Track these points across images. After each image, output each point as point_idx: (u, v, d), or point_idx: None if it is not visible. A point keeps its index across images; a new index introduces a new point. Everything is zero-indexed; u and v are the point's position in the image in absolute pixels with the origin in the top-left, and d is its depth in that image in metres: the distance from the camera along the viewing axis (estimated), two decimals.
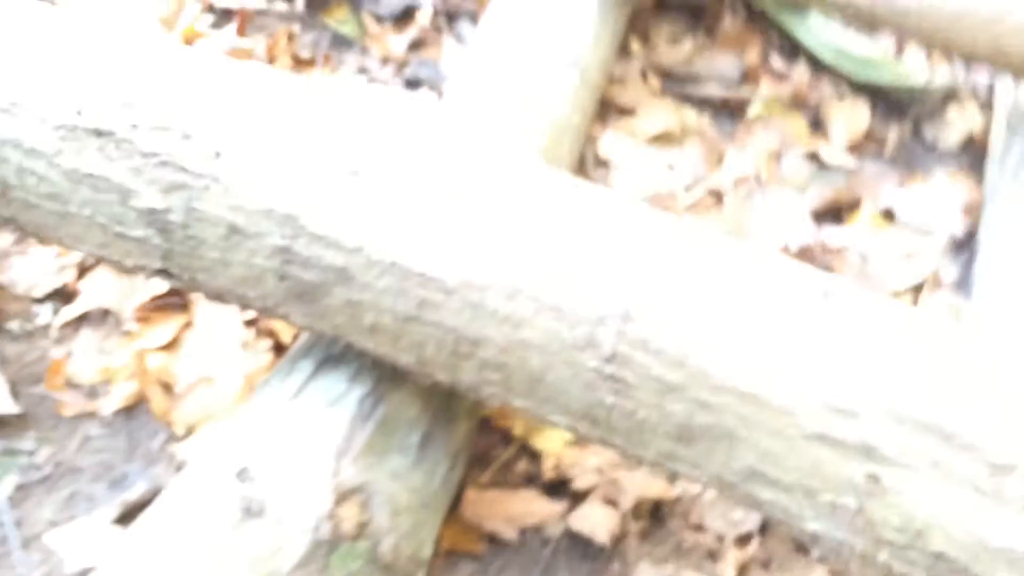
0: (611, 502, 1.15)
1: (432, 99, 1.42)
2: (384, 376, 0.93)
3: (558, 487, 1.16)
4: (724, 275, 0.79)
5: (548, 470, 1.17)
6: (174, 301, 1.23)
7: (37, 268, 1.27)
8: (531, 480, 1.18)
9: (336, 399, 0.91)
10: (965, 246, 1.45)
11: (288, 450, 0.87)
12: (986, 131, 1.61)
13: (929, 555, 0.76)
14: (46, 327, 1.23)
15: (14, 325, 1.22)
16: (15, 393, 1.16)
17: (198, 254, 0.83)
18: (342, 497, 0.86)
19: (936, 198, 1.48)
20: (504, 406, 0.85)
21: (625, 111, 1.56)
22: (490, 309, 0.79)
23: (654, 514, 1.16)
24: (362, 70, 1.52)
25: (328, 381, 0.93)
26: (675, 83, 1.61)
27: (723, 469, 0.80)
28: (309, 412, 0.90)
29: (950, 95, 1.64)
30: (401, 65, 1.53)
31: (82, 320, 1.23)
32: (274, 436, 0.89)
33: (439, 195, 0.80)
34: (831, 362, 0.76)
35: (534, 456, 1.19)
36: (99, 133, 0.81)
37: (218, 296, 0.87)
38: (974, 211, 1.47)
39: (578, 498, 1.15)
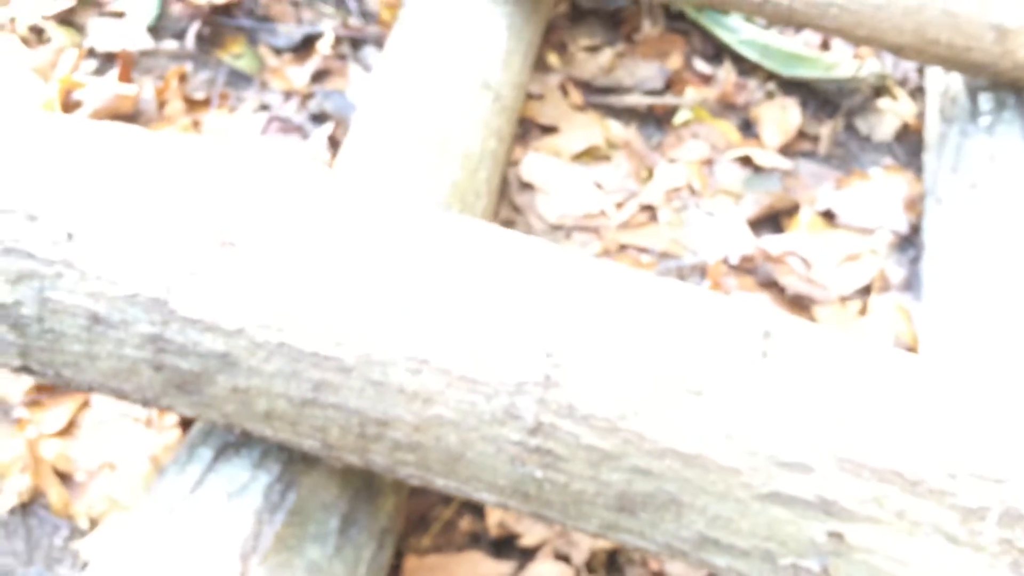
0: (563, 557, 1.07)
1: (323, 142, 1.32)
2: (294, 458, 0.84)
3: (505, 544, 1.08)
4: (653, 323, 0.71)
5: (493, 527, 1.09)
6: None
7: None
8: (476, 539, 1.09)
9: (240, 489, 0.81)
10: (910, 243, 1.39)
11: (188, 555, 0.78)
12: (920, 118, 1.56)
13: None
14: None
15: None
16: None
17: (59, 348, 0.73)
18: None
19: (876, 195, 1.42)
20: (426, 486, 0.77)
21: (547, 129, 1.48)
22: (396, 386, 0.70)
23: (610, 565, 1.08)
24: (263, 107, 1.42)
25: (230, 469, 0.83)
26: (597, 95, 1.53)
27: (672, 538, 0.72)
28: (210, 508, 0.80)
29: (880, 84, 1.58)
30: (305, 98, 1.44)
31: None
32: (171, 539, 0.79)
33: (327, 262, 0.71)
34: (776, 412, 0.69)
35: (477, 511, 1.11)
36: None
37: (91, 390, 0.77)
38: (916, 205, 1.42)
39: (527, 555, 1.07)
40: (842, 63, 1.58)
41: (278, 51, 1.48)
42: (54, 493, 1.05)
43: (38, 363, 0.75)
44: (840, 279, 1.35)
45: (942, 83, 1.47)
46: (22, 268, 0.70)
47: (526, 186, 1.41)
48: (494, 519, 1.09)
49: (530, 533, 1.08)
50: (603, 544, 1.07)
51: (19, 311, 0.71)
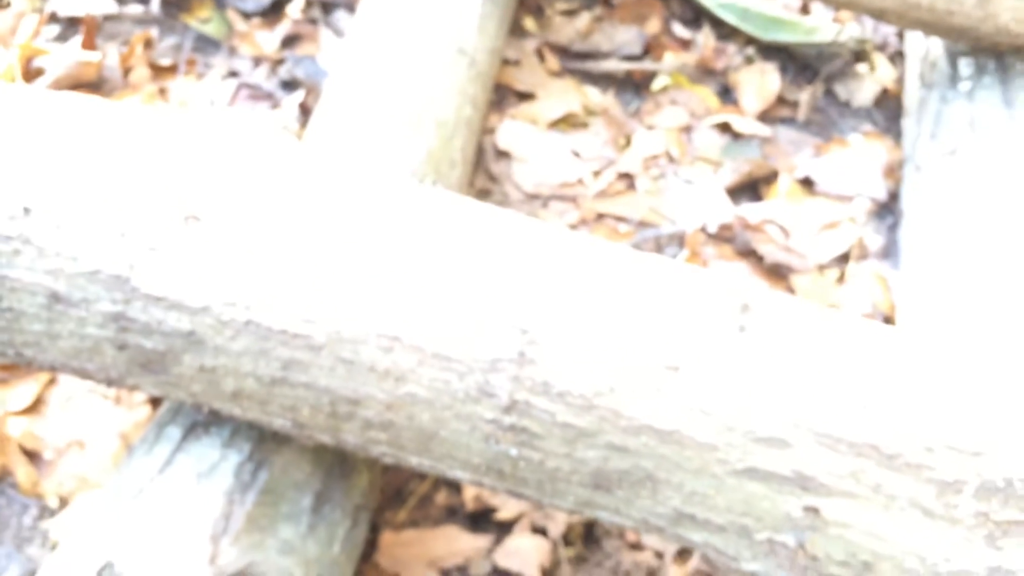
0: (539, 530, 1.06)
1: (294, 110, 1.29)
2: (265, 436, 0.82)
3: (482, 518, 1.07)
4: (630, 298, 0.70)
5: (470, 500, 1.08)
6: None
7: None
8: (452, 513, 1.08)
9: (209, 469, 0.80)
10: (889, 210, 1.38)
11: (157, 536, 0.76)
12: (899, 83, 1.55)
13: None
14: None
15: None
16: None
17: (18, 328, 0.71)
18: None
19: (855, 162, 1.41)
20: (399, 464, 0.75)
21: (523, 96, 1.45)
22: (367, 364, 0.68)
23: (587, 537, 1.07)
24: (232, 73, 1.38)
25: (200, 448, 0.81)
26: (574, 60, 1.51)
27: (648, 514, 0.72)
28: (179, 488, 0.79)
29: (860, 49, 1.56)
30: (275, 64, 1.40)
31: None
32: (140, 520, 0.77)
33: (296, 237, 0.69)
34: (754, 387, 0.68)
35: (453, 485, 1.10)
36: None
37: (53, 370, 0.75)
38: (895, 172, 1.41)
39: (504, 529, 1.06)
40: (822, 27, 1.56)
41: (247, 15, 1.44)
42: (22, 472, 1.03)
43: None
44: (818, 247, 1.34)
45: (922, 48, 1.46)
46: None
47: (502, 154, 1.38)
48: (470, 493, 1.08)
49: (507, 507, 1.07)
50: (580, 517, 1.07)
51: None
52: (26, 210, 0.68)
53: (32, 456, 1.05)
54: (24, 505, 1.03)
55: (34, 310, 0.70)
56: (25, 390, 1.07)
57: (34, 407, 1.07)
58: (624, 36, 1.54)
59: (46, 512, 1.02)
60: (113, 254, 0.68)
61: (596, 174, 1.38)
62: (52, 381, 1.08)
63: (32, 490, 1.03)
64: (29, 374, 1.08)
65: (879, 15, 1.30)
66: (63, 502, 1.02)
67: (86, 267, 0.68)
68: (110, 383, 0.75)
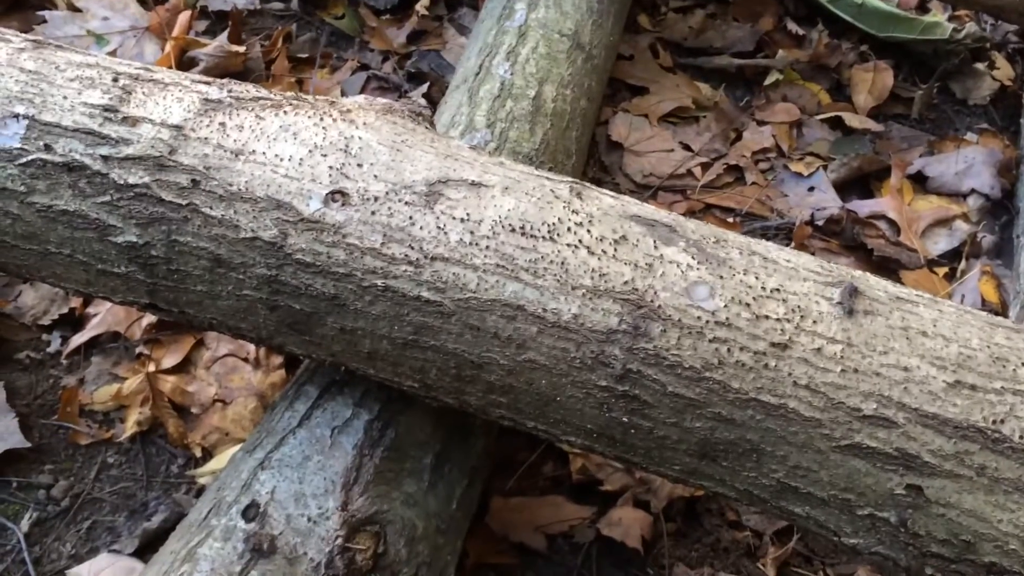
0: (642, 504, 1.11)
1: (420, 100, 1.37)
2: (392, 397, 0.89)
3: (586, 489, 1.13)
4: (737, 276, 0.74)
5: (575, 472, 1.13)
6: None
7: (44, 296, 1.25)
8: (558, 483, 1.14)
9: (343, 425, 0.88)
10: (1003, 208, 1.37)
11: (296, 482, 0.84)
12: (1018, 81, 1.53)
13: (980, 567, 0.71)
14: (56, 355, 1.21)
15: (23, 355, 1.20)
16: (28, 426, 1.14)
17: (184, 288, 0.79)
18: (354, 530, 0.82)
19: (968, 159, 1.40)
20: (516, 427, 0.81)
21: (637, 90, 1.49)
22: (491, 331, 0.74)
23: (688, 513, 1.12)
24: (363, 66, 1.47)
25: (334, 406, 0.89)
26: (687, 56, 1.54)
27: (751, 485, 0.75)
28: (316, 440, 0.87)
29: (978, 47, 1.55)
30: (403, 58, 1.48)
31: (92, 346, 1.21)
32: (281, 467, 0.85)
33: (429, 211, 0.75)
34: (861, 367, 0.71)
35: (560, 457, 1.15)
36: (70, 168, 0.77)
37: (211, 328, 0.84)
38: (1010, 170, 1.39)
39: (608, 501, 1.12)
40: (939, 25, 1.56)
41: (377, 12, 1.53)
42: (171, 424, 1.13)
43: (164, 301, 0.82)
44: (929, 244, 1.34)
45: None
46: (153, 212, 0.77)
47: (614, 145, 1.43)
48: (576, 464, 1.14)
49: (611, 480, 1.12)
50: (682, 492, 1.11)
51: (149, 252, 0.78)
52: (194, 182, 0.77)
53: (180, 411, 1.15)
54: (172, 455, 1.13)
55: (198, 272, 0.78)
56: (174, 351, 1.18)
57: (183, 367, 1.17)
58: (737, 33, 1.56)
59: (191, 461, 1.12)
60: (269, 224, 0.76)
61: (705, 167, 1.41)
62: (199, 344, 1.19)
63: (179, 441, 1.13)
64: (180, 337, 1.19)
65: (997, 12, 1.29)
66: (206, 453, 1.12)
67: (245, 235, 0.76)
68: (260, 342, 0.83)
